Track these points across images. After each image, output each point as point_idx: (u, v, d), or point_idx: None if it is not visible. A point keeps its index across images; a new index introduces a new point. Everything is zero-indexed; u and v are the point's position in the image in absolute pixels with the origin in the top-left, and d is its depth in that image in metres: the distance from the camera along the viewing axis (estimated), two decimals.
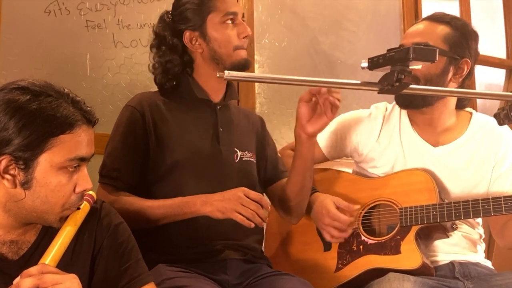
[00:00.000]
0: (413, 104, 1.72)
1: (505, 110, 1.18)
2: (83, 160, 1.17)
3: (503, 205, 1.51)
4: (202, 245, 1.51)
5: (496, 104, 3.07)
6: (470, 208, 1.56)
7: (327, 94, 1.53)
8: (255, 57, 2.36)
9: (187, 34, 1.62)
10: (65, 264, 1.21)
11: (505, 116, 1.19)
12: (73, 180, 1.16)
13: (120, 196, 1.50)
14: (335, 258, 1.68)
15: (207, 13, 1.60)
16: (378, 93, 1.09)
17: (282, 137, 2.36)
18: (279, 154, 1.85)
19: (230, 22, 1.61)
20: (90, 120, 1.19)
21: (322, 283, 1.68)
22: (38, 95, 1.13)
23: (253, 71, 2.34)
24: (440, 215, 1.58)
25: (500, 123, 1.20)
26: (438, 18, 1.71)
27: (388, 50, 1.72)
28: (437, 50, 1.01)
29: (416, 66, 1.02)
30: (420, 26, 1.72)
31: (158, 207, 1.48)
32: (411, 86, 1.08)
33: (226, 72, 1.03)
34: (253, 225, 1.41)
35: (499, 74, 3.15)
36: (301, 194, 1.66)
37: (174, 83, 1.64)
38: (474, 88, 2.93)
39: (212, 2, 1.60)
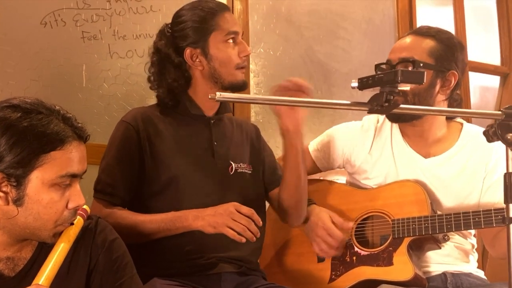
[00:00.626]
0: (402, 118, 1.75)
1: (493, 127, 1.20)
2: (74, 176, 1.18)
3: (493, 218, 1.53)
4: (196, 259, 1.52)
5: (492, 107, 3.11)
6: (461, 220, 1.58)
7: (294, 86, 1.55)
8: (251, 66, 2.38)
9: (187, 51, 1.62)
10: (61, 279, 1.23)
11: (494, 134, 1.20)
12: (65, 197, 1.17)
13: (114, 211, 1.52)
14: (328, 269, 1.70)
15: (210, 32, 1.61)
16: (368, 113, 1.11)
17: (277, 146, 2.36)
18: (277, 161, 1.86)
19: (231, 41, 1.62)
20: (81, 136, 1.20)
21: None
22: (29, 113, 1.15)
23: (248, 81, 2.35)
24: (431, 227, 1.60)
25: (489, 140, 1.22)
26: (423, 32, 1.74)
27: (376, 66, 1.78)
28: (425, 72, 1.04)
29: (405, 88, 1.04)
30: (406, 40, 1.76)
31: (151, 221, 1.50)
32: (402, 105, 1.10)
33: (218, 93, 1.05)
34: (244, 240, 1.43)
35: (494, 78, 3.17)
36: (299, 189, 1.66)
37: (176, 101, 1.65)
38: (468, 93, 2.97)
39: (214, 21, 1.61)
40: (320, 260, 1.73)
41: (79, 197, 1.19)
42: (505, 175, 1.19)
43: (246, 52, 1.63)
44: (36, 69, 1.95)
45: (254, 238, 1.45)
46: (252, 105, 2.38)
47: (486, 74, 3.13)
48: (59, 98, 1.97)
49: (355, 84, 1.11)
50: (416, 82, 1.01)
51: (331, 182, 1.87)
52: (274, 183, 1.73)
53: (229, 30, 1.61)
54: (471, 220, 1.56)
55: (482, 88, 3.15)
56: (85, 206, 1.24)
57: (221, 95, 1.05)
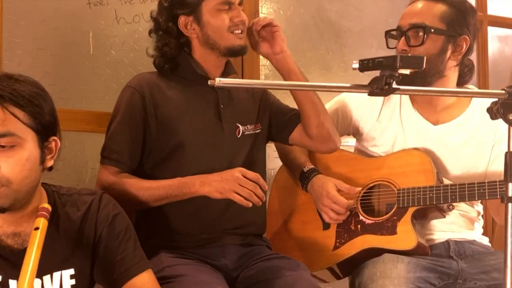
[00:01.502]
0: (412, 85, 1.72)
1: (497, 105, 1.18)
2: None
3: (498, 190, 1.53)
4: (202, 233, 1.56)
5: (507, 72, 3.02)
6: (465, 191, 1.58)
7: (260, 26, 1.67)
8: None
9: (182, 19, 1.62)
10: (69, 253, 1.29)
11: (497, 111, 1.19)
12: None
13: (121, 177, 1.55)
14: (333, 236, 1.73)
15: None
16: (368, 95, 1.10)
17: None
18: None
19: (227, 7, 1.61)
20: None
21: (320, 260, 1.74)
22: None
23: None
24: (436, 197, 1.61)
25: (493, 117, 1.21)
26: None
27: (386, 33, 1.74)
28: (424, 58, 1.02)
29: (405, 71, 1.02)
30: (417, 5, 1.73)
31: (157, 188, 1.52)
32: (401, 87, 1.09)
33: (217, 79, 1.05)
34: (250, 205, 1.46)
35: None
36: (316, 108, 1.67)
37: (173, 65, 1.65)
38: (486, 48, 2.89)
39: None
40: (326, 227, 1.76)
41: None
42: (506, 154, 1.18)
43: (240, 18, 1.61)
44: (43, 38, 1.94)
45: (260, 203, 1.48)
46: (261, 68, 2.36)
47: (508, 28, 3.03)
48: (67, 67, 1.99)
49: (356, 65, 1.10)
50: (415, 68, 0.99)
51: (339, 150, 1.87)
52: (290, 125, 1.72)
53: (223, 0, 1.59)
54: (476, 192, 1.57)
55: (501, 38, 3.06)
56: (46, 205, 1.22)
57: (220, 80, 1.05)
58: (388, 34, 1.78)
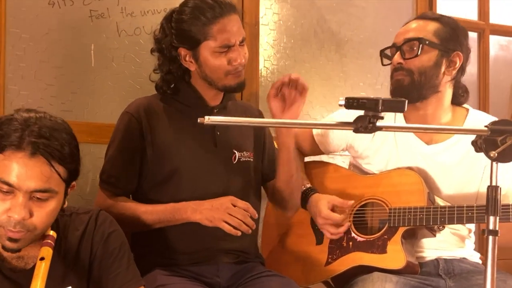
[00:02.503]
0: (408, 99, 1.74)
1: (481, 139, 1.21)
2: (9, 185, 1.20)
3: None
4: (197, 251, 1.61)
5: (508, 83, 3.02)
6: (455, 214, 1.61)
7: (291, 83, 1.60)
8: (260, 39, 2.36)
9: (182, 51, 1.64)
10: (68, 270, 1.34)
11: (480, 145, 1.22)
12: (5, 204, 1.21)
13: (118, 201, 1.60)
14: (326, 252, 1.78)
15: (204, 38, 1.60)
16: (353, 131, 1.12)
17: None
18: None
19: (225, 51, 1.60)
20: (32, 152, 1.19)
21: (313, 275, 1.79)
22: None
23: (257, 52, 2.35)
24: (426, 218, 1.64)
25: (477, 150, 1.23)
26: (428, 16, 1.80)
27: (380, 52, 1.76)
28: (406, 101, 1.04)
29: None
30: (411, 24, 1.79)
31: (152, 212, 1.57)
32: (385, 125, 1.12)
33: (206, 117, 1.09)
34: (239, 233, 1.50)
35: None
36: (290, 184, 1.72)
37: (174, 90, 1.69)
38: (487, 63, 2.89)
39: (211, 30, 1.58)
40: (319, 242, 1.80)
41: (15, 211, 1.20)
42: (488, 187, 1.21)
43: (238, 61, 1.60)
44: (45, 51, 1.98)
45: (250, 231, 1.52)
46: (261, 80, 2.37)
47: (510, 37, 3.03)
48: (69, 79, 2.03)
49: (342, 102, 1.13)
50: (396, 111, 1.02)
51: (335, 167, 1.91)
52: (272, 174, 1.78)
53: (224, 44, 1.58)
54: (464, 215, 1.60)
55: (503, 47, 3.06)
56: (51, 233, 1.28)
57: (209, 119, 1.08)
58: (382, 53, 1.80)
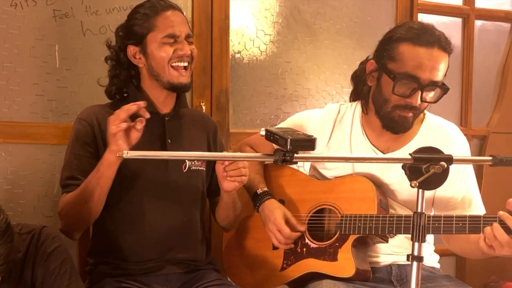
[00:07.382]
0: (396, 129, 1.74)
1: (407, 166, 1.21)
2: None
3: (441, 226, 1.56)
4: (146, 261, 1.64)
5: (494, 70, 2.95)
6: (402, 224, 1.62)
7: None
8: (230, 34, 2.33)
9: (130, 49, 1.70)
10: None
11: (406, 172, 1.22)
12: None
13: (64, 196, 1.62)
14: (281, 257, 1.80)
15: (149, 31, 1.66)
16: (274, 162, 1.13)
17: (258, 116, 2.39)
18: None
19: (171, 42, 1.65)
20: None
21: (268, 280, 1.82)
22: None
23: (227, 47, 2.32)
24: (375, 227, 1.65)
25: (406, 175, 1.23)
26: (450, 49, 1.69)
27: (397, 80, 1.62)
28: (316, 139, 1.04)
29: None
30: (439, 60, 1.65)
31: (86, 182, 1.55)
32: (303, 155, 1.12)
33: (125, 152, 1.10)
34: None
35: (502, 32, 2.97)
36: (228, 221, 1.81)
37: (123, 95, 1.71)
38: (472, 48, 2.82)
39: (155, 21, 1.66)
40: (275, 247, 1.82)
41: None
42: (414, 214, 1.22)
43: (183, 51, 1.64)
44: (9, 54, 1.99)
45: None
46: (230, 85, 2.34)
47: (497, 22, 2.95)
48: (33, 80, 2.04)
49: (263, 133, 1.13)
50: (306, 149, 1.02)
51: (293, 170, 1.91)
52: (217, 192, 1.76)
53: (168, 33, 1.65)
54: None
55: (488, 32, 2.98)
56: None
57: (128, 153, 1.10)
58: (400, 81, 1.65)
